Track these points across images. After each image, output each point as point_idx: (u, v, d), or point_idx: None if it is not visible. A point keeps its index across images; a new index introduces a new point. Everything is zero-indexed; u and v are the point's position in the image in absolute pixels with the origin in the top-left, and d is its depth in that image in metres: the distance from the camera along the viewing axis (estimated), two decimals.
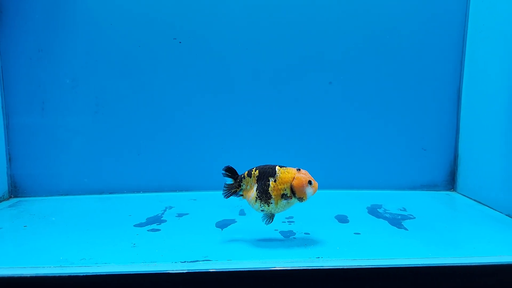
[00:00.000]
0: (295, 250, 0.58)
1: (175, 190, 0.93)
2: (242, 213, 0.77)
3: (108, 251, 0.58)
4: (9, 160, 0.89)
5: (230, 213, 0.77)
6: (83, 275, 0.51)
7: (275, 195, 0.59)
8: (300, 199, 0.59)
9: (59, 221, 0.73)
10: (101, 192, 0.91)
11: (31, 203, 0.85)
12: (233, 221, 0.72)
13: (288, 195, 0.59)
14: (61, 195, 0.91)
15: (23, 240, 0.63)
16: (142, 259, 0.55)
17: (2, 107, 0.87)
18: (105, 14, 0.87)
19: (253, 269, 0.51)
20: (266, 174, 0.60)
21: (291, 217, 0.74)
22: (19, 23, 0.85)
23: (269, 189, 0.59)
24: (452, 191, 0.94)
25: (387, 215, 0.75)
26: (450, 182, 0.95)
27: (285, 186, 0.59)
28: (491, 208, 0.80)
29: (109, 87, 0.89)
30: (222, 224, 0.70)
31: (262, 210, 0.60)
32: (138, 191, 0.92)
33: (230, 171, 0.63)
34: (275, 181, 0.59)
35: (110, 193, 0.91)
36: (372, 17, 0.90)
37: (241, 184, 0.62)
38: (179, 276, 0.51)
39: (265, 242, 0.62)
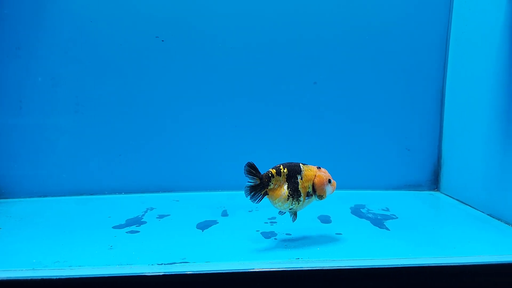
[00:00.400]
0: (275, 251, 0.57)
1: (158, 191, 0.92)
2: (224, 214, 0.76)
3: (84, 254, 0.57)
4: None
5: (212, 214, 0.76)
6: (55, 278, 0.49)
7: (303, 193, 0.58)
8: (320, 197, 0.60)
9: (36, 222, 0.71)
10: (81, 193, 0.90)
11: (10, 204, 0.83)
12: (214, 222, 0.71)
13: (311, 192, 0.59)
14: (41, 196, 0.89)
15: None
16: (118, 262, 0.54)
17: None
18: (85, 11, 0.85)
19: (231, 270, 0.51)
20: (294, 171, 0.58)
21: (274, 218, 0.73)
22: None
23: (299, 186, 0.58)
24: (436, 191, 0.95)
25: (370, 215, 0.75)
26: (434, 182, 0.95)
27: (309, 183, 0.59)
28: (473, 207, 0.81)
29: (90, 86, 0.88)
30: (203, 225, 0.69)
31: (290, 209, 0.59)
32: (120, 192, 0.91)
33: (254, 169, 0.57)
34: (301, 178, 0.58)
35: (91, 194, 0.90)
36: (356, 19, 0.90)
37: (270, 183, 0.57)
38: (155, 278, 0.50)
39: (245, 243, 0.61)
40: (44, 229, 0.67)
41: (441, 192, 0.93)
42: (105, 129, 0.89)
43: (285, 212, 0.60)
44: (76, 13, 0.85)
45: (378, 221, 0.71)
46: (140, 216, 0.74)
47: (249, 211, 0.78)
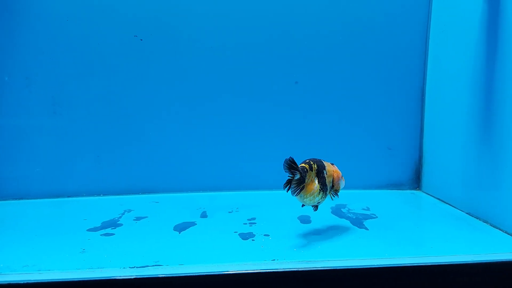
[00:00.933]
0: (252, 253, 0.57)
1: (137, 193, 0.90)
2: (204, 215, 0.75)
3: (55, 258, 0.55)
4: None
5: (191, 215, 0.75)
6: (23, 283, 0.48)
7: (328, 187, 0.62)
8: (336, 191, 0.64)
9: (9, 226, 0.69)
10: (58, 195, 0.88)
11: None
12: (192, 224, 0.70)
13: (328, 187, 0.62)
14: (17, 199, 0.86)
15: None
16: (89, 265, 0.52)
17: None
18: (61, 9, 0.84)
19: (204, 273, 0.50)
20: (321, 167, 0.61)
21: (253, 218, 0.73)
22: None
23: (326, 181, 0.61)
24: (417, 190, 0.95)
25: (350, 215, 0.75)
26: (416, 181, 0.95)
27: (331, 178, 0.63)
28: (453, 206, 0.81)
29: (68, 86, 0.86)
30: (181, 227, 0.68)
31: (318, 202, 0.61)
32: (98, 194, 0.89)
33: (294, 164, 0.57)
34: (326, 174, 0.61)
35: (68, 196, 0.88)
36: (337, 19, 0.90)
37: (305, 178, 0.58)
38: (126, 282, 0.49)
39: (222, 245, 0.60)
40: (17, 233, 0.65)
41: (423, 191, 0.93)
42: (83, 130, 0.87)
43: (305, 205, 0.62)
44: (51, 11, 0.84)
45: (358, 221, 0.71)
46: (116, 219, 0.73)
47: (229, 212, 0.77)
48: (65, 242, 0.61)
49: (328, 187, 0.62)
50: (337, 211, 0.77)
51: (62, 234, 0.65)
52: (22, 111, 0.85)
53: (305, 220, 0.72)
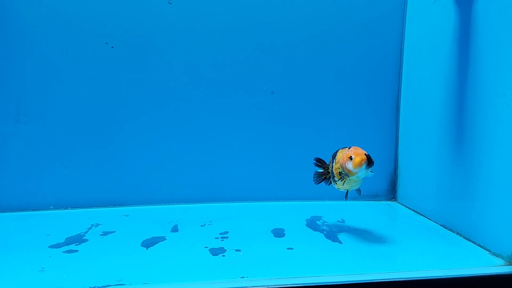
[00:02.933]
0: (221, 270, 0.54)
1: (107, 206, 0.87)
2: (175, 229, 0.73)
3: (12, 277, 0.52)
4: None
5: (161, 229, 0.72)
6: None
7: (336, 174, 0.65)
8: (346, 175, 0.62)
9: None
10: (23, 209, 0.83)
11: None
12: (162, 239, 0.67)
13: (343, 173, 0.63)
14: None
15: None
16: (47, 286, 0.49)
17: None
18: (28, 15, 0.81)
19: None
20: (333, 157, 0.66)
21: (226, 232, 0.70)
22: None
23: (333, 169, 0.65)
24: (393, 201, 0.95)
25: (325, 228, 0.74)
26: (391, 192, 0.95)
27: (338, 165, 0.64)
28: (427, 218, 0.81)
29: (33, 94, 0.82)
30: (149, 243, 0.65)
31: (338, 188, 0.67)
32: (66, 207, 0.85)
33: (320, 162, 0.71)
34: (334, 161, 0.65)
35: (34, 210, 0.84)
36: (313, 30, 0.90)
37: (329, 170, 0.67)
38: None
39: (191, 261, 0.58)
40: None
41: (398, 202, 0.93)
42: (50, 140, 0.84)
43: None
44: (18, 17, 0.80)
45: (332, 234, 0.70)
46: (82, 234, 0.69)
47: (202, 226, 0.75)
48: (24, 260, 0.57)
49: (334, 174, 0.65)
50: (312, 223, 0.76)
51: (22, 250, 0.61)
52: None
53: (279, 233, 0.70)
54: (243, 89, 0.89)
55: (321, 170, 0.71)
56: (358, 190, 0.67)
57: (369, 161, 0.59)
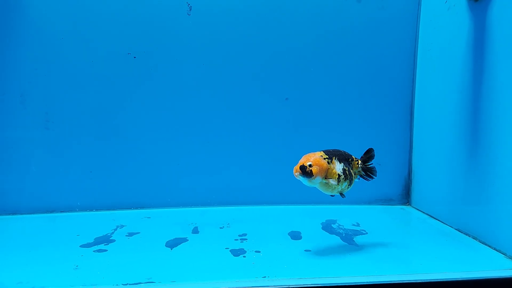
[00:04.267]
0: (243, 270, 0.57)
1: (129, 208, 0.90)
2: (195, 231, 0.76)
3: (48, 274, 0.55)
4: None
5: (183, 231, 0.75)
6: None
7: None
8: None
9: (2, 242, 0.69)
10: (51, 210, 0.88)
11: None
12: (184, 240, 0.70)
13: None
14: (10, 214, 0.86)
15: None
16: (83, 282, 0.53)
17: None
18: (55, 28, 0.85)
19: None
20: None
21: (244, 234, 0.73)
22: None
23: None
24: (407, 205, 0.96)
25: (341, 231, 0.76)
26: (405, 196, 0.97)
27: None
28: (442, 222, 0.82)
29: (60, 102, 0.87)
30: (173, 243, 0.68)
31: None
32: (91, 210, 0.89)
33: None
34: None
35: (61, 211, 0.88)
36: (326, 37, 0.92)
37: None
38: None
39: (214, 261, 0.61)
40: (10, 249, 0.65)
41: (412, 207, 0.95)
42: (76, 146, 0.88)
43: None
44: (46, 30, 0.85)
45: (348, 237, 0.72)
46: (109, 234, 0.73)
47: (220, 228, 0.78)
48: (58, 258, 0.61)
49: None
50: (327, 227, 0.79)
51: (55, 250, 0.65)
52: (16, 128, 0.85)
53: (295, 236, 0.73)
54: (259, 96, 0.92)
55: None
56: (341, 194, 0.65)
57: (302, 171, 0.59)
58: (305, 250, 0.65)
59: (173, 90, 0.90)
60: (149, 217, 0.85)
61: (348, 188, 0.65)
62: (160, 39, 0.89)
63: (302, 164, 0.60)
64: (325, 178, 0.61)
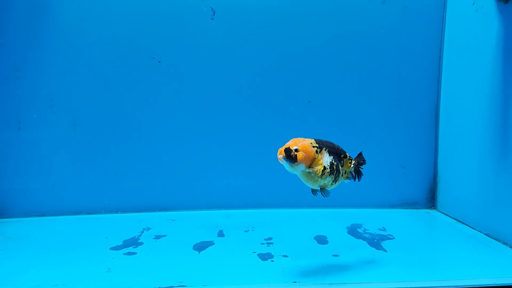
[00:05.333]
0: (273, 274, 0.57)
1: (154, 210, 0.91)
2: (220, 234, 0.76)
3: (82, 277, 0.56)
4: None
5: (208, 234, 0.76)
6: None
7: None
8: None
9: (34, 244, 0.70)
10: (78, 212, 0.89)
11: (7, 224, 0.83)
12: (211, 243, 0.71)
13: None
14: (38, 215, 0.88)
15: None
16: (117, 285, 0.53)
17: None
18: (83, 34, 0.87)
19: None
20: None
21: (270, 238, 0.73)
22: None
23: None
24: (433, 209, 0.95)
25: (367, 235, 0.75)
26: (430, 200, 0.96)
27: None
28: (470, 226, 0.81)
29: (87, 106, 0.88)
30: (200, 247, 0.69)
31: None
32: (117, 211, 0.91)
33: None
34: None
35: (88, 213, 0.90)
36: (351, 36, 0.92)
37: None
38: None
39: (242, 265, 0.61)
40: (41, 251, 0.67)
41: (438, 210, 0.93)
42: (102, 148, 0.89)
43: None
44: (74, 36, 0.86)
45: (375, 242, 0.71)
46: (136, 237, 0.74)
47: (245, 231, 0.78)
48: (90, 261, 0.62)
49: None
50: (353, 231, 0.78)
51: (86, 252, 0.66)
52: (45, 131, 0.87)
53: (322, 240, 0.73)
54: (282, 98, 0.92)
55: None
56: (322, 191, 0.58)
57: (287, 154, 0.53)
58: (333, 255, 0.65)
59: (196, 93, 0.91)
60: (174, 220, 0.86)
61: (332, 185, 0.58)
62: (184, 43, 0.89)
63: (288, 146, 0.54)
64: (309, 167, 0.55)
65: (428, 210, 0.94)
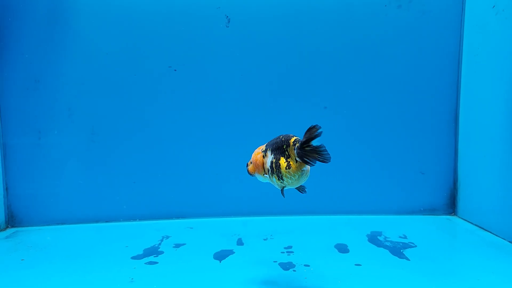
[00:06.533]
0: (297, 285, 0.57)
1: (171, 218, 0.92)
2: (240, 242, 0.76)
3: (107, 287, 0.57)
4: (6, 189, 0.88)
5: (227, 243, 0.76)
6: None
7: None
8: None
9: (56, 253, 0.71)
10: (97, 220, 0.90)
11: (28, 233, 0.84)
12: (231, 252, 0.71)
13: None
14: (58, 224, 0.89)
15: (21, 275, 0.62)
16: None
17: None
18: (100, 44, 0.88)
19: None
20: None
21: (290, 247, 0.73)
22: (16, 54, 0.86)
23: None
24: (453, 215, 0.93)
25: (388, 244, 0.74)
26: (451, 206, 0.94)
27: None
28: (493, 234, 0.79)
29: (105, 115, 0.89)
30: (220, 256, 0.69)
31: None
32: (134, 219, 0.91)
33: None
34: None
35: (106, 221, 0.90)
36: (369, 43, 0.91)
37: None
38: None
39: (265, 275, 0.60)
40: (64, 260, 0.68)
41: (458, 217, 0.92)
42: (120, 157, 0.90)
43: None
44: (91, 46, 0.88)
45: (397, 250, 0.70)
46: (156, 246, 0.74)
47: (264, 240, 0.77)
48: (112, 270, 0.63)
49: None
50: (373, 239, 0.77)
51: (108, 261, 0.67)
52: (64, 140, 0.88)
53: (342, 249, 0.72)
54: (297, 104, 0.92)
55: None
56: (300, 189, 0.55)
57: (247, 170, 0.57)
58: (355, 265, 0.64)
59: (213, 101, 0.91)
60: (192, 227, 0.86)
61: (291, 181, 0.51)
62: (200, 52, 0.90)
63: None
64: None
65: (448, 217, 0.93)
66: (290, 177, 0.51)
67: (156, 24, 0.88)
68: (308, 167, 0.52)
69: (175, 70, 0.90)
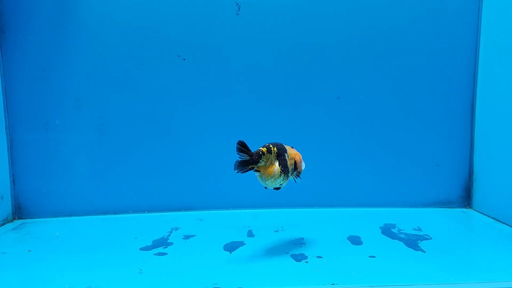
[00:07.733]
0: (309, 276, 0.55)
1: (181, 210, 0.91)
2: (250, 234, 0.74)
3: (115, 278, 0.56)
4: (13, 181, 0.88)
5: (237, 234, 0.74)
6: None
7: (290, 169, 0.62)
8: (299, 173, 0.64)
9: (64, 244, 0.70)
10: (105, 212, 0.89)
11: (35, 225, 0.83)
12: (241, 244, 0.69)
13: (293, 169, 0.63)
14: (66, 216, 0.89)
15: (27, 266, 0.61)
16: (150, 287, 0.52)
17: (6, 128, 0.86)
18: (108, 34, 0.86)
19: None
20: (282, 150, 0.62)
21: (301, 238, 0.71)
22: (22, 44, 0.85)
23: (288, 164, 0.61)
24: (468, 208, 0.91)
25: (402, 236, 0.72)
26: (466, 199, 0.92)
27: (292, 161, 0.63)
28: (509, 226, 0.77)
29: (114, 106, 0.88)
30: (231, 247, 0.67)
31: (280, 184, 0.62)
32: (143, 211, 0.90)
33: (244, 147, 0.59)
34: (287, 156, 0.62)
35: (115, 213, 0.89)
36: (382, 31, 0.89)
37: (260, 160, 0.59)
38: None
39: (276, 266, 0.59)
40: (72, 252, 0.67)
41: (474, 209, 0.90)
42: (129, 148, 0.89)
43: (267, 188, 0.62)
44: (99, 35, 0.86)
45: (412, 242, 0.68)
46: (166, 237, 0.73)
47: (275, 231, 0.76)
48: (121, 262, 0.62)
49: (290, 170, 0.62)
50: (387, 231, 0.75)
51: (116, 253, 0.66)
52: (72, 131, 0.87)
53: (355, 241, 0.70)
54: (310, 94, 0.90)
55: (247, 158, 0.58)
56: (278, 188, 0.63)
57: None
58: (369, 256, 0.62)
59: (223, 91, 0.89)
60: (201, 219, 0.85)
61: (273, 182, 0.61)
62: (209, 40, 0.88)
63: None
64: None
65: (463, 209, 0.90)
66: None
67: (164, 13, 0.87)
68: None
69: (184, 59, 0.88)
